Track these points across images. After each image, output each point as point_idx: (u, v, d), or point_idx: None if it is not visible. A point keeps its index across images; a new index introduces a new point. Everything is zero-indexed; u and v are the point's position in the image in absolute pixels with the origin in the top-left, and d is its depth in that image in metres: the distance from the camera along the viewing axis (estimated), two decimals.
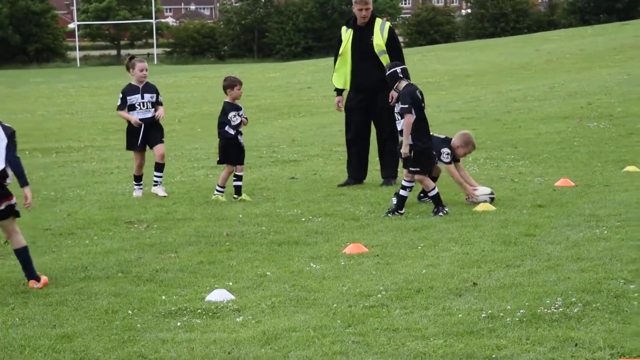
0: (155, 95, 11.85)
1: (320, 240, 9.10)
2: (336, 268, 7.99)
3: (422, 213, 10.23)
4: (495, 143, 15.99)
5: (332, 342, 6.00)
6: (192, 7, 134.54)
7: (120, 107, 11.86)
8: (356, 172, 12.52)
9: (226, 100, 11.45)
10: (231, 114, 11.34)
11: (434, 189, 10.12)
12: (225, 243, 9.09)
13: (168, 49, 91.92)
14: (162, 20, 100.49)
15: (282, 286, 7.43)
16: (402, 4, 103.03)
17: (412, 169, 10.12)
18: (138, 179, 12.00)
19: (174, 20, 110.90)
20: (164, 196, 11.74)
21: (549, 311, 6.43)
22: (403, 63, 10.88)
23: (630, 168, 12.75)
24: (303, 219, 10.14)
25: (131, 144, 11.89)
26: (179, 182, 13.24)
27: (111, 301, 7.15)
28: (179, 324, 6.55)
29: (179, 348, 6.02)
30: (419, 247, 8.63)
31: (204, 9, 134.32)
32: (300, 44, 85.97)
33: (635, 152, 14.35)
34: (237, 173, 11.45)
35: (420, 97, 10.19)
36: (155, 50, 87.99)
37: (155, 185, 11.92)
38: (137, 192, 12.00)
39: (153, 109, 11.79)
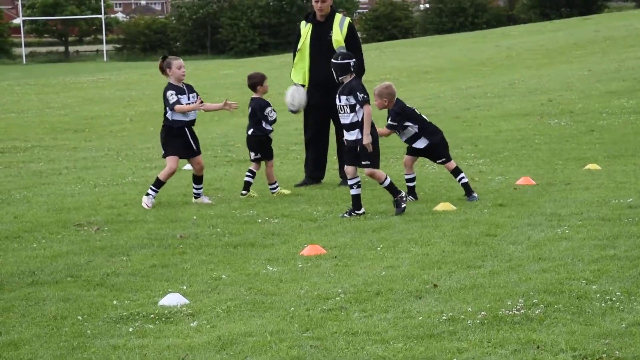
0: (195, 94, 10.95)
1: (277, 242, 8.93)
2: (293, 270, 7.83)
3: (381, 214, 10.09)
4: (455, 141, 15.90)
5: (289, 347, 5.88)
6: (143, 2, 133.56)
7: (178, 102, 10.70)
8: (314, 172, 12.35)
9: (256, 96, 11.39)
10: (268, 110, 11.32)
11: (386, 179, 9.99)
12: (178, 245, 8.88)
13: (118, 45, 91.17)
14: (112, 15, 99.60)
15: (237, 289, 7.26)
16: None
17: (363, 163, 9.95)
18: (161, 184, 10.90)
19: (124, 15, 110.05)
20: (210, 203, 10.95)
21: (510, 313, 6.34)
22: (359, 59, 10.77)
23: (592, 166, 12.72)
24: (259, 220, 9.96)
25: (176, 150, 10.83)
26: (131, 183, 12.97)
27: (60, 307, 6.94)
28: (130, 329, 6.38)
29: (131, 354, 5.86)
30: (378, 248, 8.49)
31: (155, 3, 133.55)
32: (255, 41, 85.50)
33: (596, 150, 14.35)
34: (255, 169, 11.45)
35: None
36: (104, 47, 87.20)
37: (197, 197, 11.06)
38: (148, 200, 10.75)
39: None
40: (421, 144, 10.66)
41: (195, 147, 11.01)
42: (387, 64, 37.63)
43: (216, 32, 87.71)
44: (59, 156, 16.57)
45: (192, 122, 11.02)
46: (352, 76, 10.02)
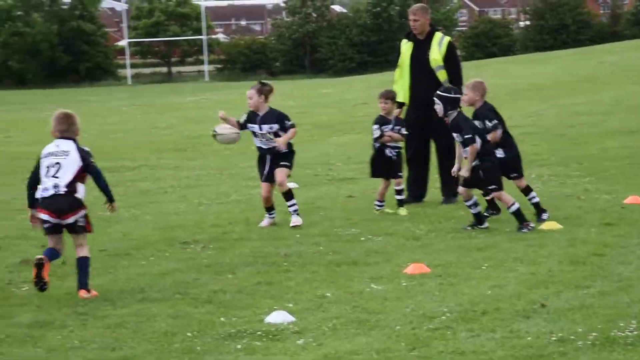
0: (276, 125, 10.69)
1: (381, 260, 8.91)
2: (398, 289, 7.80)
3: (485, 232, 9.99)
4: (559, 159, 15.65)
5: None
6: (243, 22, 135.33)
7: (240, 126, 10.94)
8: (416, 190, 12.30)
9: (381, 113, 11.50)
10: (374, 127, 11.37)
11: (513, 204, 9.93)
12: (283, 263, 8.94)
13: (219, 66, 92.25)
14: (213, 36, 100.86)
15: (342, 308, 7.27)
16: (458, 15, 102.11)
17: (490, 188, 10.06)
18: (267, 209, 11.01)
19: (225, 36, 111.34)
20: (298, 225, 10.78)
21: (623, 334, 6.19)
22: (458, 78, 11.55)
23: None
24: (362, 239, 9.96)
25: (261, 175, 10.99)
26: (234, 202, 13.12)
27: (170, 323, 7.05)
28: (239, 346, 6.43)
29: None
30: (484, 267, 8.39)
31: (254, 24, 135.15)
32: (354, 59, 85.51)
33: None
34: (394, 187, 11.43)
35: (475, 122, 10.14)
36: (206, 67, 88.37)
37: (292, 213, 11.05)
38: (264, 222, 11.00)
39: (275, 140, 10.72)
40: (498, 153, 10.52)
41: (267, 173, 10.86)
42: (487, 82, 37.06)
43: (315, 51, 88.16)
44: (164, 175, 16.85)
45: (269, 149, 10.83)
46: (458, 111, 10.12)
